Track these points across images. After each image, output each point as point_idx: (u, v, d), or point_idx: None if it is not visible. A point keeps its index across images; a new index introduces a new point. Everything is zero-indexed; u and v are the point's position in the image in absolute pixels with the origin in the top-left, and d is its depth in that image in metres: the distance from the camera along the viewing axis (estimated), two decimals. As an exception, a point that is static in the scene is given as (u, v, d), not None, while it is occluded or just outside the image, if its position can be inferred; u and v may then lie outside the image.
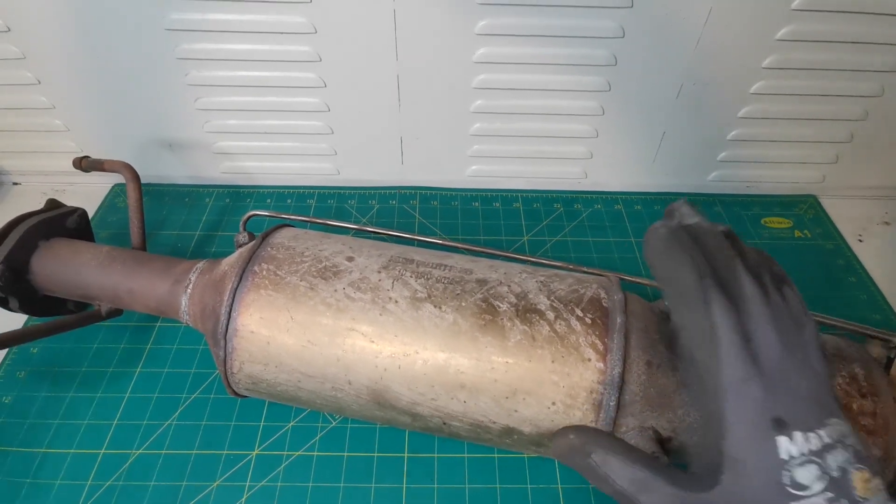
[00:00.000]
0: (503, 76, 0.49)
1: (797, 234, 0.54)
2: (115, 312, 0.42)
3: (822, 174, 0.57)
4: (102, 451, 0.38)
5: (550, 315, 0.33)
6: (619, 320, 0.32)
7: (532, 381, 0.31)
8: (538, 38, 0.47)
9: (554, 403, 0.31)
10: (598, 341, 0.31)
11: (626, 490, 0.21)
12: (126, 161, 0.45)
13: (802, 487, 0.18)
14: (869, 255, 0.52)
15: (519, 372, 0.31)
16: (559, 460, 0.25)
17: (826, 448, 0.18)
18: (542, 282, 0.35)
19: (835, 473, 0.18)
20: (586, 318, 0.32)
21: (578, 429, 0.24)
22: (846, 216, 0.56)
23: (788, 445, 0.18)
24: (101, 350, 0.43)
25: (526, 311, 0.33)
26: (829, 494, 0.18)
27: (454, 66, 0.49)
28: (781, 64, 0.48)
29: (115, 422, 0.39)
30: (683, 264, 0.21)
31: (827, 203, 0.57)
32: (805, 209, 0.57)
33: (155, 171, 0.57)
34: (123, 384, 0.41)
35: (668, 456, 0.30)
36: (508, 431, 0.32)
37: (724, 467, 0.19)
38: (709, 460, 0.20)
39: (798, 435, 0.18)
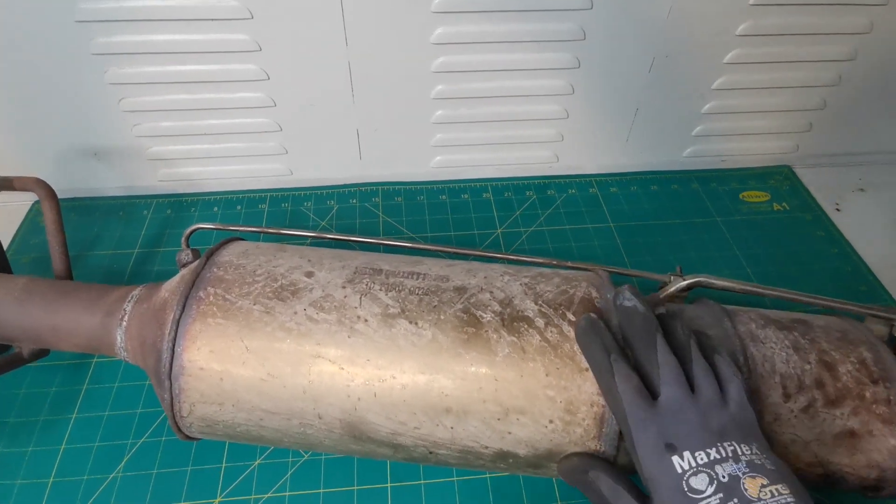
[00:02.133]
0: (465, 57, 0.45)
1: (776, 206, 0.53)
2: (41, 352, 0.36)
3: (796, 143, 0.55)
4: (38, 515, 0.33)
5: (540, 322, 0.29)
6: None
7: (525, 399, 0.28)
8: (501, 14, 0.43)
9: (551, 421, 0.28)
10: (594, 348, 0.28)
11: (608, 498, 0.26)
12: (46, 174, 0.40)
13: (698, 492, 0.23)
14: (848, 224, 0.51)
15: (510, 389, 0.28)
16: (563, 478, 0.29)
17: (715, 461, 0.24)
18: (526, 284, 0.31)
19: (724, 479, 0.23)
20: (580, 323, 0.29)
21: (580, 454, 0.28)
22: (821, 185, 0.55)
23: (680, 462, 0.24)
24: (29, 396, 0.38)
25: (513, 320, 0.29)
26: (721, 495, 0.23)
27: (411, 49, 0.44)
28: (755, 31, 0.45)
29: (52, 479, 0.34)
30: (597, 346, 0.27)
31: (801, 173, 0.56)
32: (780, 181, 0.56)
33: (81, 183, 0.51)
34: (58, 434, 0.36)
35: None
36: (502, 456, 0.29)
37: (649, 488, 0.25)
38: (645, 486, 0.26)
39: (687, 454, 0.24)
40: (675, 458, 0.24)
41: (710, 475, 0.24)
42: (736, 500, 0.23)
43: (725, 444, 0.25)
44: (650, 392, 0.26)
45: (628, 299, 0.29)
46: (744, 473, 0.24)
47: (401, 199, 0.53)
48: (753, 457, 0.24)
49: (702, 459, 0.24)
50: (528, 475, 0.33)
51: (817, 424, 0.29)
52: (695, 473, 0.24)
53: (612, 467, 0.27)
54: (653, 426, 0.25)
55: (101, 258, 0.47)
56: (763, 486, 0.23)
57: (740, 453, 0.24)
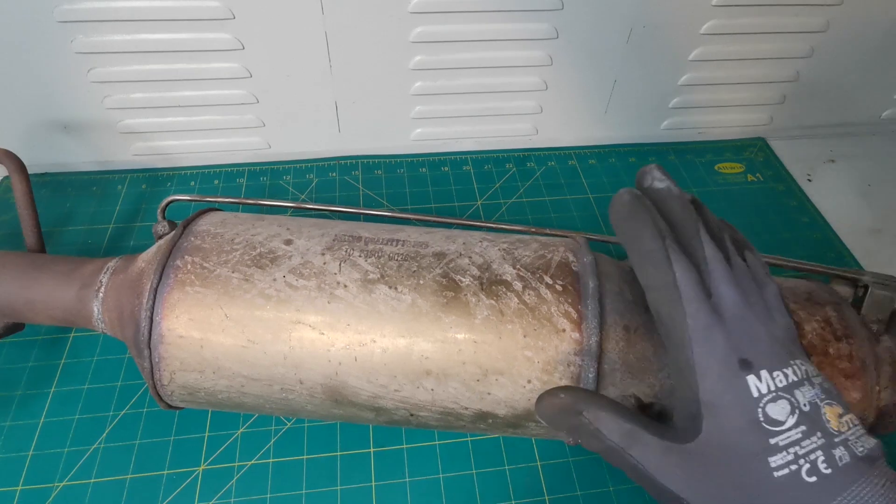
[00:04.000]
0: (443, 27, 0.45)
1: (749, 178, 0.54)
2: (16, 327, 0.36)
3: (770, 115, 0.56)
4: (19, 488, 0.33)
5: (518, 285, 0.30)
6: (591, 284, 0.29)
7: (504, 360, 0.28)
8: (478, -18, 0.42)
9: (529, 381, 0.28)
10: (571, 309, 0.29)
11: (618, 444, 0.21)
12: (12, 149, 0.38)
13: (777, 423, 0.19)
14: (818, 194, 0.52)
15: (489, 351, 0.28)
16: (545, 421, 0.25)
17: (793, 385, 0.19)
18: (505, 249, 0.32)
19: (805, 408, 0.19)
20: (556, 286, 0.30)
21: (567, 388, 0.23)
22: (794, 157, 0.56)
23: (757, 383, 0.19)
24: (4, 372, 0.37)
25: (491, 284, 0.30)
26: (803, 427, 0.18)
27: (389, 18, 0.44)
28: (731, 0, 0.45)
29: (31, 452, 0.34)
30: (646, 227, 0.22)
31: (775, 145, 0.57)
32: (755, 152, 0.57)
33: (52, 157, 0.49)
34: (36, 408, 0.36)
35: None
36: (482, 416, 0.30)
37: (703, 415, 0.20)
38: (689, 412, 0.20)
39: (764, 373, 0.19)
40: (752, 379, 0.19)
41: (791, 402, 0.19)
42: (819, 434, 0.19)
43: (798, 363, 0.20)
44: None
45: (659, 179, 0.23)
46: (822, 400, 0.19)
47: (381, 173, 0.52)
48: (820, 379, 0.20)
49: (781, 382, 0.19)
50: (508, 436, 0.34)
51: (783, 380, 0.30)
52: (773, 399, 0.19)
53: (614, 404, 0.22)
54: (719, 336, 0.20)
55: (74, 234, 0.46)
56: (840, 415, 0.19)
57: (811, 374, 0.20)
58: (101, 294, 0.32)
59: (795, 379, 0.19)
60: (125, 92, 0.46)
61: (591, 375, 0.28)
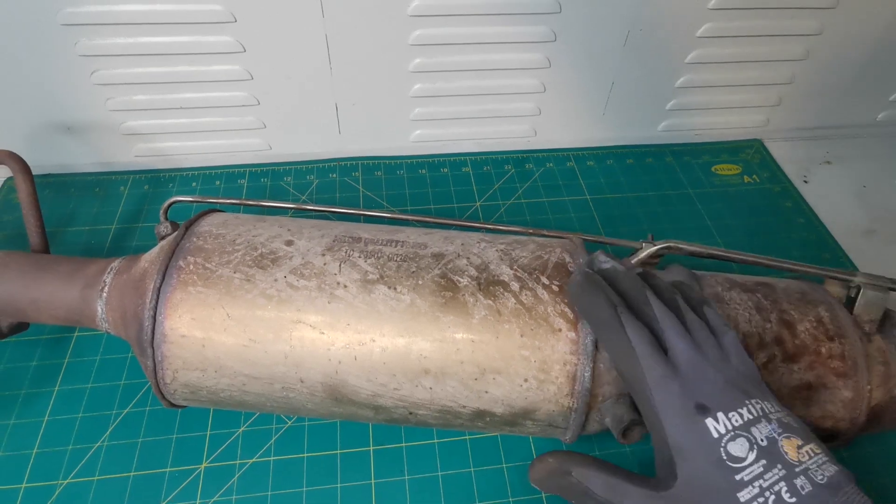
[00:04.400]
0: (442, 30, 0.45)
1: (746, 179, 0.54)
2: (20, 327, 0.36)
3: (767, 117, 0.57)
4: (24, 486, 0.33)
5: (515, 286, 0.30)
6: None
7: (501, 359, 0.29)
8: (477, -14, 0.43)
9: (526, 380, 0.29)
10: (567, 309, 0.29)
11: (605, 498, 0.23)
12: (16, 150, 0.39)
13: (739, 460, 0.20)
14: (814, 195, 0.53)
15: (486, 350, 0.29)
16: (538, 486, 0.27)
17: (749, 423, 0.21)
18: (502, 250, 0.32)
19: (763, 443, 0.21)
20: (553, 286, 0.30)
21: (555, 452, 0.26)
22: (790, 158, 0.57)
23: (715, 425, 0.21)
24: (8, 371, 0.38)
25: (489, 284, 0.30)
26: (763, 461, 0.20)
27: (388, 21, 0.44)
28: (726, 4, 0.46)
29: (35, 450, 0.34)
30: (599, 300, 0.25)
31: (772, 146, 0.58)
32: (752, 154, 0.57)
33: (55, 159, 0.50)
34: (40, 407, 0.36)
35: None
36: (480, 414, 0.30)
37: (675, 459, 0.22)
38: (664, 458, 0.22)
39: (720, 415, 0.21)
40: (710, 421, 0.21)
41: (748, 439, 0.21)
42: (780, 466, 0.20)
43: (754, 402, 0.22)
44: None
45: (604, 262, 0.28)
46: (779, 434, 0.21)
47: (381, 174, 0.53)
48: (779, 414, 0.22)
49: (737, 421, 0.21)
50: (505, 434, 0.35)
51: (776, 378, 0.30)
52: (733, 438, 0.21)
53: (600, 462, 0.24)
54: (674, 385, 0.22)
55: (77, 234, 0.46)
56: (799, 447, 0.21)
57: (768, 411, 0.22)
58: (104, 294, 0.33)
59: (751, 417, 0.21)
60: (128, 94, 0.46)
61: (587, 374, 0.28)
